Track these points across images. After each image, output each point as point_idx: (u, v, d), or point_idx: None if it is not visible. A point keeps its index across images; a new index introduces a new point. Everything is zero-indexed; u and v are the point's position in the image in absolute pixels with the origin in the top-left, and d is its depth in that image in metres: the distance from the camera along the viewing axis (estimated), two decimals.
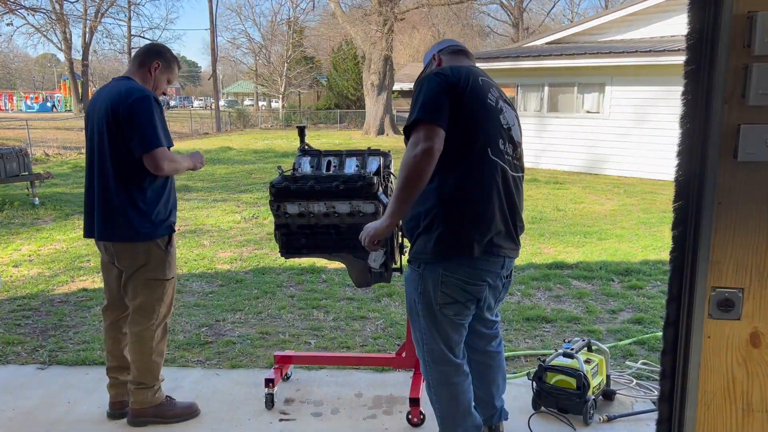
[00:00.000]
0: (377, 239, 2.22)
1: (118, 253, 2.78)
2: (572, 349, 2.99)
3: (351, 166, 2.84)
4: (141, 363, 2.85)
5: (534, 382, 3.01)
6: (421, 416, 2.90)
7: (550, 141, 13.30)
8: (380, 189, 2.79)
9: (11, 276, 5.38)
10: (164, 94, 2.96)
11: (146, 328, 2.84)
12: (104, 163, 2.70)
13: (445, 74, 2.17)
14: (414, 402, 2.90)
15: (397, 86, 28.95)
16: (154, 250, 2.78)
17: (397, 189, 2.08)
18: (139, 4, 45.88)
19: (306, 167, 2.86)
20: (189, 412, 2.97)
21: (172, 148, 2.76)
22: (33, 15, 30.26)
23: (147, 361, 2.85)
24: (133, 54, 2.87)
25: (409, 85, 32.39)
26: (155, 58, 2.82)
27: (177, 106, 50.62)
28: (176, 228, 2.91)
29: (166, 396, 2.98)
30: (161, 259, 2.81)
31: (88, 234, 2.85)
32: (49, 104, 42.18)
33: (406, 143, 2.13)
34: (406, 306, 2.48)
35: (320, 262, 5.45)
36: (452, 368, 2.35)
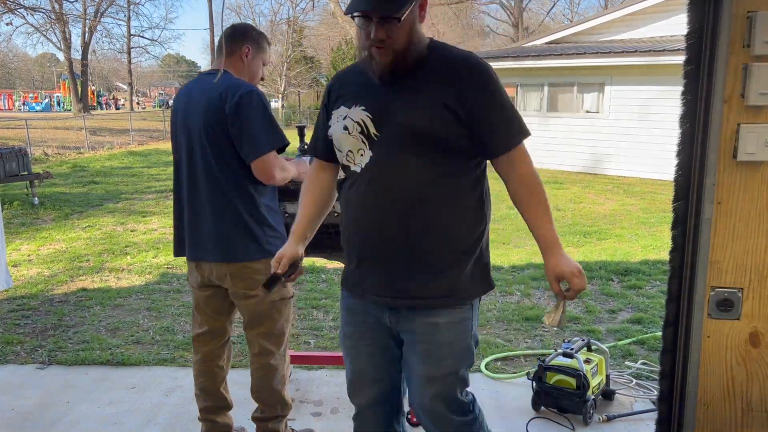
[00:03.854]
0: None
1: (240, 272, 2.35)
2: (572, 349, 2.99)
3: None
4: (273, 396, 2.52)
5: (534, 382, 3.00)
6: None
7: (550, 141, 13.30)
8: None
9: (11, 276, 5.37)
10: (262, 79, 2.51)
11: (278, 354, 2.50)
12: (211, 171, 2.30)
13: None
14: None
15: None
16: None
17: (549, 211, 1.71)
18: (138, 4, 45.88)
19: None
20: None
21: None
22: (32, 14, 30.28)
23: (279, 392, 2.53)
24: (216, 42, 2.46)
25: None
26: (242, 41, 2.37)
27: None
28: None
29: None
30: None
31: (192, 254, 2.42)
32: (38, 106, 41.09)
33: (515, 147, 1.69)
34: (453, 362, 1.82)
35: (320, 261, 5.45)
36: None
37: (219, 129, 2.25)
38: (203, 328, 2.53)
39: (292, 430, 2.72)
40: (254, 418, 2.60)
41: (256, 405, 2.61)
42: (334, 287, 5.00)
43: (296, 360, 3.36)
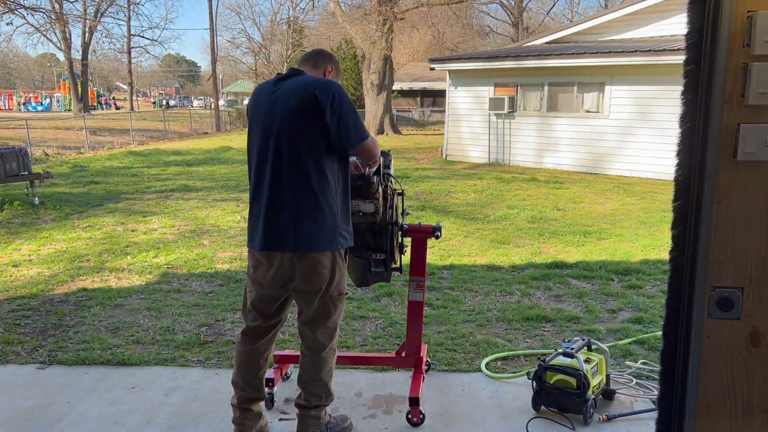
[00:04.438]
0: None
1: (309, 266, 2.47)
2: (572, 349, 2.99)
3: None
4: (319, 387, 2.65)
5: (534, 382, 3.01)
6: (421, 416, 2.90)
7: (550, 141, 13.31)
8: (379, 188, 2.79)
9: (11, 276, 5.38)
10: None
11: (329, 348, 2.63)
12: (299, 163, 2.42)
13: None
14: (414, 402, 2.90)
15: (396, 86, 28.95)
16: (339, 261, 2.55)
17: None
18: (138, 4, 46.01)
19: None
20: (347, 425, 2.83)
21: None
22: (33, 14, 30.33)
23: (326, 383, 2.66)
24: (302, 56, 2.74)
25: (409, 85, 32.41)
26: (328, 62, 2.67)
27: (177, 106, 50.61)
28: None
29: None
30: (343, 271, 2.60)
31: (266, 246, 2.50)
32: (39, 106, 41.00)
33: None
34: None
35: None
36: None
37: (313, 122, 2.40)
38: (256, 322, 2.65)
39: (331, 416, 2.80)
40: (298, 405, 2.71)
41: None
42: None
43: (297, 360, 3.37)
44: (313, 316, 2.59)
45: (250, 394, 2.69)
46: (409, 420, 2.92)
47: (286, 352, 3.36)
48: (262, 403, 2.81)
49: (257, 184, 2.53)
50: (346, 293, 2.66)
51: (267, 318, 2.65)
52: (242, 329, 2.71)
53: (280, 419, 2.97)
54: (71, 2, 34.85)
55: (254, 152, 2.55)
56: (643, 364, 3.52)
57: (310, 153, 2.41)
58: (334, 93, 2.41)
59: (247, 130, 2.69)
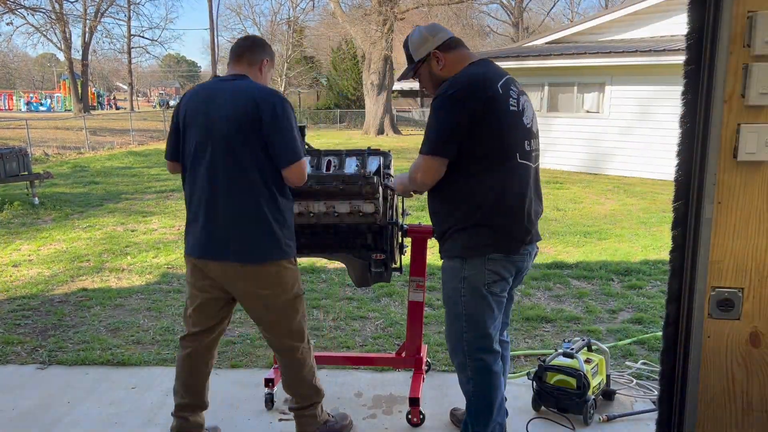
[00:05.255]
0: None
1: (253, 276, 2.43)
2: (572, 349, 2.99)
3: (351, 166, 2.83)
4: (305, 387, 2.63)
5: (534, 382, 3.01)
6: (421, 416, 2.90)
7: (550, 141, 13.28)
8: (379, 188, 2.79)
9: (11, 276, 5.38)
10: None
11: (302, 348, 2.59)
12: (240, 172, 2.35)
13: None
14: (414, 402, 2.90)
15: (397, 86, 28.95)
16: (290, 266, 2.50)
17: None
18: (138, 4, 45.93)
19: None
20: (347, 423, 2.83)
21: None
22: (33, 14, 30.35)
23: (310, 381, 2.64)
24: (231, 50, 2.52)
25: (409, 85, 32.42)
26: (261, 54, 2.50)
27: None
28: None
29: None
30: (294, 273, 2.54)
31: (204, 253, 2.44)
32: (41, 106, 41.16)
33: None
34: (443, 299, 2.44)
35: (320, 262, 5.45)
36: (493, 356, 2.39)
37: (252, 132, 2.32)
38: (197, 328, 2.59)
39: (330, 414, 2.79)
40: (291, 409, 2.71)
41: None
42: (334, 287, 5.01)
43: None
44: (272, 323, 2.54)
45: (189, 402, 2.62)
46: (409, 420, 2.92)
47: None
48: (204, 413, 2.71)
49: (194, 192, 2.43)
50: (303, 293, 2.59)
51: (207, 323, 2.58)
52: (182, 335, 2.65)
53: (280, 419, 2.97)
54: (71, 2, 34.86)
55: (188, 160, 2.43)
56: (644, 364, 3.52)
57: (250, 163, 2.33)
58: (275, 105, 2.32)
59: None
